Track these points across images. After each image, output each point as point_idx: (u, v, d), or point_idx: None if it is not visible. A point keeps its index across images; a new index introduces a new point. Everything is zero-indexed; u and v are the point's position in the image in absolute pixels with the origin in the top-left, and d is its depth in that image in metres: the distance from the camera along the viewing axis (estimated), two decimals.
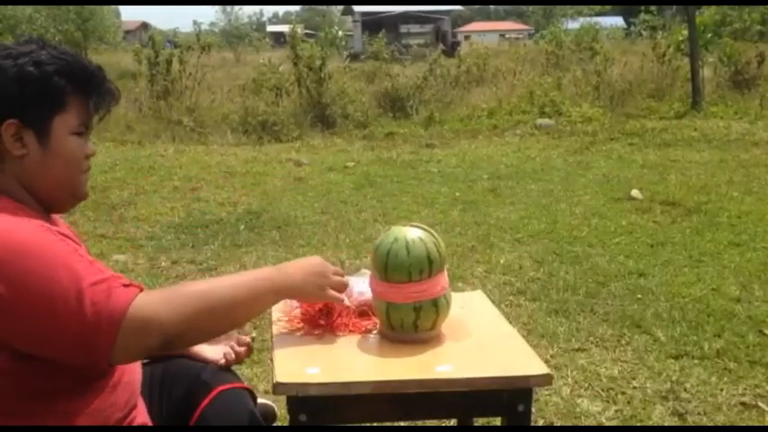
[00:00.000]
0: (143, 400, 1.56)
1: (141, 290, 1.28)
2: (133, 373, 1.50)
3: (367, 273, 1.90)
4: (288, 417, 1.61)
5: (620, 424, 2.72)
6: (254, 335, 1.72)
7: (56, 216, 1.52)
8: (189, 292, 1.35)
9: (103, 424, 1.38)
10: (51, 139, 1.38)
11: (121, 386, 1.42)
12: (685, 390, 2.95)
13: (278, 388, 1.56)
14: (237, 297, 1.40)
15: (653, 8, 26.35)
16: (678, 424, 2.72)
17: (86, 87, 1.42)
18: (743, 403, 2.85)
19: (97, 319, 1.22)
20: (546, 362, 2.20)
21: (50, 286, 1.22)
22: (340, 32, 25.63)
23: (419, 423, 2.67)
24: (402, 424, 2.63)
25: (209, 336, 1.45)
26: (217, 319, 1.38)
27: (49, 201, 1.43)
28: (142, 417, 1.53)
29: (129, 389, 1.46)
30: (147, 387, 1.59)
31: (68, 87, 1.39)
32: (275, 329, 1.85)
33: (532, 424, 2.00)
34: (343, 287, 1.64)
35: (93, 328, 1.22)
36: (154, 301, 1.27)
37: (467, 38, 44.50)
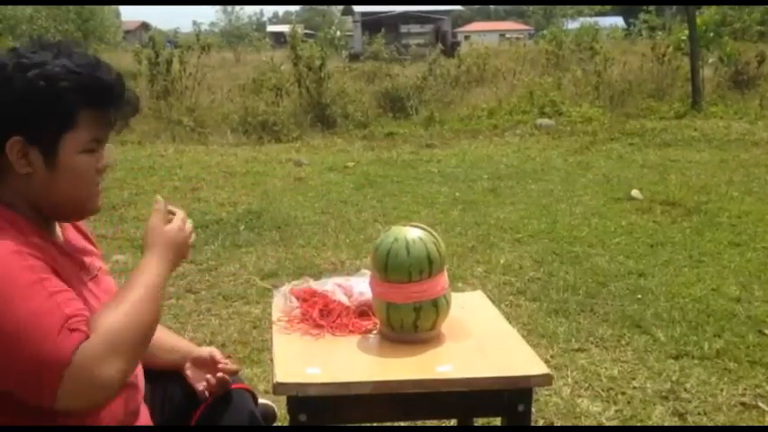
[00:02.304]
0: (145, 406, 1.56)
1: (87, 336, 1.20)
2: (135, 377, 1.47)
3: (367, 273, 1.90)
4: (288, 417, 1.61)
5: (620, 424, 2.72)
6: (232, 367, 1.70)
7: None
8: (121, 330, 1.24)
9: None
10: (59, 158, 1.32)
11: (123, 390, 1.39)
12: (685, 390, 2.95)
13: (278, 388, 1.56)
14: (153, 311, 1.32)
15: (652, 8, 26.36)
16: (678, 424, 2.72)
17: (101, 103, 1.34)
18: (743, 403, 2.85)
19: (43, 357, 1.16)
20: (546, 362, 2.20)
21: (2, 316, 1.18)
22: (338, 33, 25.56)
23: (419, 423, 2.67)
24: (402, 424, 2.63)
25: (141, 357, 1.37)
26: (145, 343, 1.32)
27: (53, 215, 1.41)
28: (144, 422, 1.53)
29: (127, 395, 1.43)
30: (149, 387, 1.59)
31: (80, 104, 1.31)
32: (275, 329, 1.85)
33: (532, 424, 2.00)
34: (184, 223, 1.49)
35: (39, 366, 1.16)
36: (98, 351, 1.19)
37: (467, 38, 44.46)
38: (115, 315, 1.26)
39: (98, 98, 1.33)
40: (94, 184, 1.40)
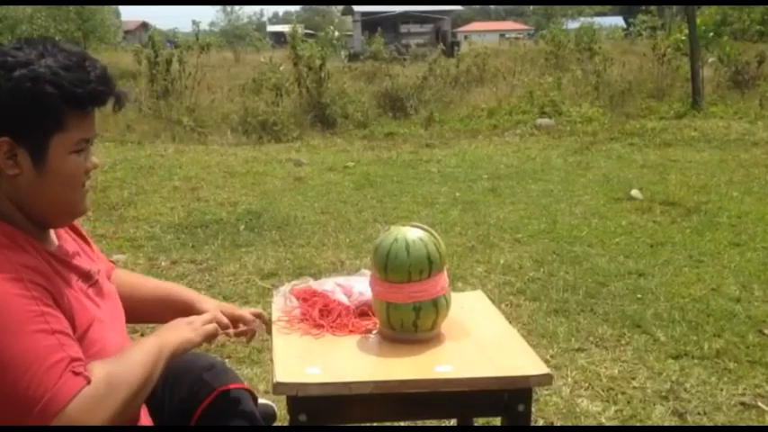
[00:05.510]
0: (145, 406, 1.56)
1: (88, 381, 1.21)
2: None
3: (367, 273, 1.90)
4: (288, 417, 1.61)
5: (620, 424, 2.72)
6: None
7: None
8: (119, 385, 1.26)
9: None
10: (47, 159, 1.30)
11: None
12: (685, 390, 2.95)
13: (278, 388, 1.56)
14: (150, 376, 1.34)
15: (651, 8, 26.33)
16: (678, 424, 2.72)
17: (86, 104, 1.32)
18: (743, 403, 2.85)
19: (40, 394, 1.16)
20: (546, 362, 2.20)
21: (4, 353, 1.17)
22: (336, 33, 25.51)
23: (419, 423, 2.67)
24: (402, 424, 2.63)
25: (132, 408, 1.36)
26: (137, 402, 1.33)
27: (42, 219, 1.37)
28: (145, 421, 1.53)
29: None
30: None
31: (66, 106, 1.29)
32: (275, 329, 1.85)
33: (532, 424, 2.00)
34: (213, 322, 1.61)
35: (33, 402, 1.16)
36: (90, 403, 1.19)
37: (466, 38, 44.47)
38: (117, 367, 1.28)
39: (83, 100, 1.31)
40: (81, 185, 1.38)
